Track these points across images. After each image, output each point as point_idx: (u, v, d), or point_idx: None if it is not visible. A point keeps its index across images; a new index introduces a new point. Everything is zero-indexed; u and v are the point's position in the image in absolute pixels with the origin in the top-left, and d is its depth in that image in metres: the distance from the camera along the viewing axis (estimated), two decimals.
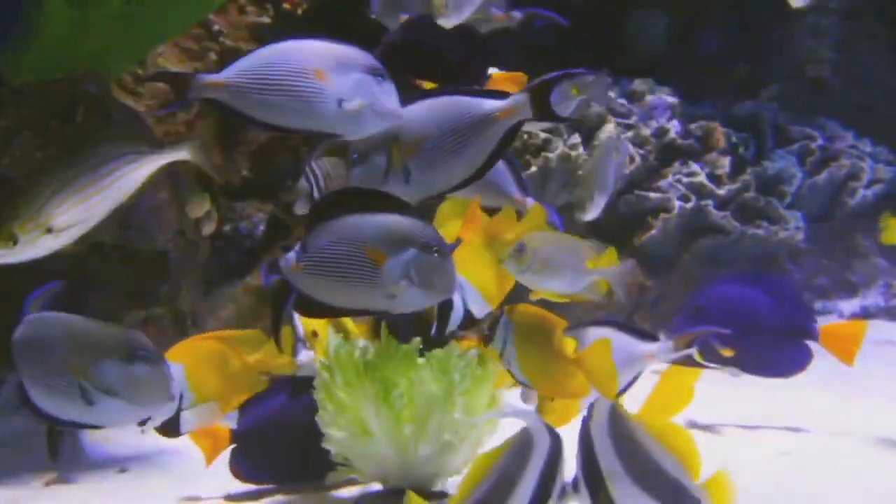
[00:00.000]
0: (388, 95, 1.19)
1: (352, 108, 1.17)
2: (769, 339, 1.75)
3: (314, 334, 1.61)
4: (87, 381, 1.15)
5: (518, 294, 1.51)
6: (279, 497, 1.47)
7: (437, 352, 1.41)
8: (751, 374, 1.73)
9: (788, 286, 1.84)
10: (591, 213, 1.79)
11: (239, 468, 1.49)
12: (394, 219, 1.17)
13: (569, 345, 1.40)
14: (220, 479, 1.53)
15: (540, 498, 0.99)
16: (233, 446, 1.47)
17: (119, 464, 1.63)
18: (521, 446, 1.01)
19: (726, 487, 1.17)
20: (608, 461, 1.04)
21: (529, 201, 1.53)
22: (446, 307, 1.48)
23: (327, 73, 1.16)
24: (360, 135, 1.20)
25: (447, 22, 1.45)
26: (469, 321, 1.53)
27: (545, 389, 1.46)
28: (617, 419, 1.06)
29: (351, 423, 1.37)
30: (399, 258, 1.15)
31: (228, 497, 1.48)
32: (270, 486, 1.50)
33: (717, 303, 1.77)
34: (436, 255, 1.16)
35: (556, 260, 1.43)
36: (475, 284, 1.53)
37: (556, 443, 1.02)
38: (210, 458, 1.47)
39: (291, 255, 1.18)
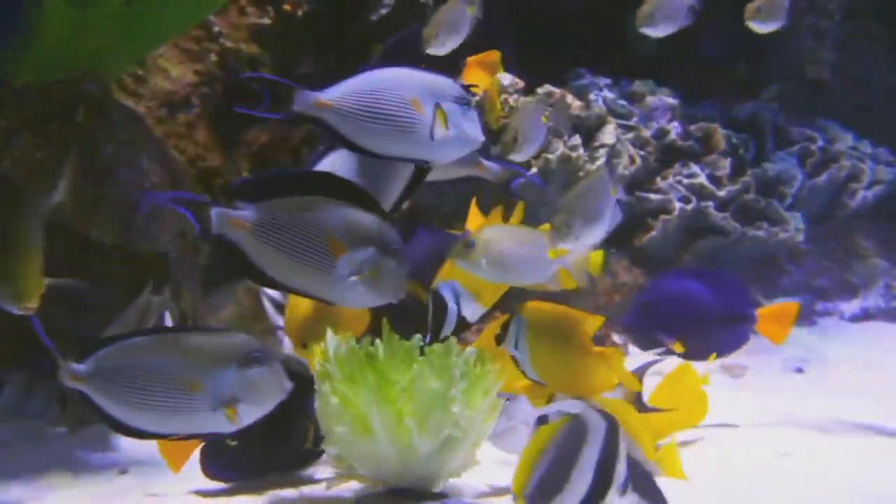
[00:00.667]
0: (471, 123, 1.25)
1: (442, 138, 1.23)
2: (712, 327, 1.82)
3: (304, 346, 1.63)
4: (205, 393, 1.12)
5: (522, 291, 1.51)
6: (279, 496, 1.47)
7: (437, 348, 1.41)
8: (696, 361, 1.76)
9: (729, 277, 1.90)
10: (520, 156, 1.78)
11: (209, 468, 1.49)
12: (363, 215, 1.18)
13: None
14: (223, 483, 1.53)
15: (602, 478, 0.99)
16: (202, 446, 1.46)
17: (119, 465, 1.62)
18: (576, 429, 1.01)
19: (675, 458, 1.22)
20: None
21: (493, 167, 1.56)
22: (441, 310, 1.48)
23: (422, 103, 1.22)
24: (447, 160, 1.27)
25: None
26: (462, 325, 1.54)
27: (562, 386, 1.46)
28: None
29: (352, 419, 1.37)
30: (357, 254, 1.16)
31: (230, 497, 1.48)
32: (244, 482, 1.49)
33: (664, 298, 1.84)
34: (393, 259, 1.17)
35: (511, 253, 1.40)
36: (469, 288, 1.53)
37: (612, 425, 1.02)
38: (177, 464, 1.44)
39: (243, 211, 1.16)
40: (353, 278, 1.16)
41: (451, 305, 1.50)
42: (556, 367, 1.42)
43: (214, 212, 1.15)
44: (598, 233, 1.43)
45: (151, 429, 1.14)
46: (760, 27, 1.84)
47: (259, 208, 1.17)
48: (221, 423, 1.14)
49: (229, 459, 1.49)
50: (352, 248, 1.16)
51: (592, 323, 1.44)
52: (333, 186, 1.20)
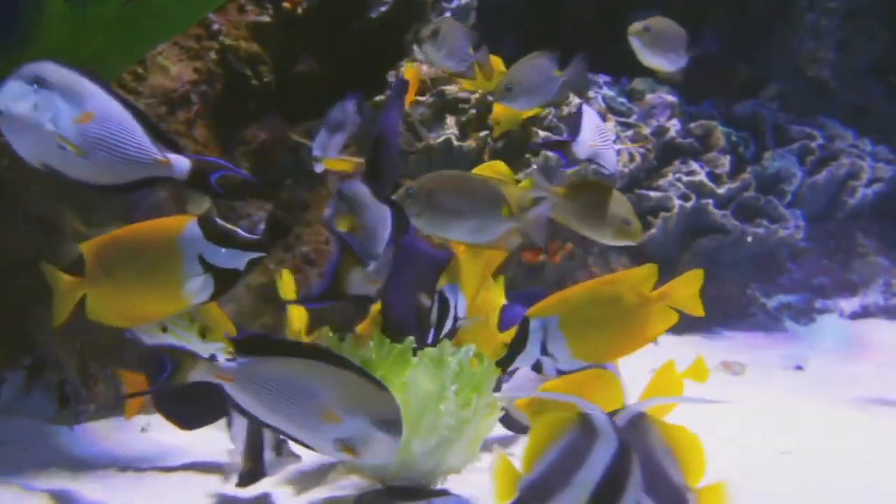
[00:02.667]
0: None
1: None
2: None
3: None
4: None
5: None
6: (280, 495, 1.47)
7: (431, 350, 1.41)
8: None
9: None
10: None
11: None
12: (356, 381, 1.18)
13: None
14: (222, 479, 1.54)
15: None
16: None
17: (118, 463, 1.63)
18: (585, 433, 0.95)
19: (722, 497, 1.11)
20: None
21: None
22: (445, 313, 1.48)
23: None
24: None
25: None
26: (455, 329, 1.54)
27: (622, 349, 1.40)
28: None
29: None
30: (350, 424, 1.16)
31: (229, 496, 1.48)
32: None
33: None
34: (388, 434, 1.17)
35: (457, 205, 1.34)
36: (465, 293, 1.53)
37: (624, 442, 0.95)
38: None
39: (226, 364, 1.19)
40: (345, 444, 1.17)
41: (453, 309, 1.49)
42: (611, 334, 1.36)
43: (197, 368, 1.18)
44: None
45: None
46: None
47: (247, 366, 1.19)
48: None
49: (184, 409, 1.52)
50: (345, 418, 1.17)
51: (636, 277, 1.38)
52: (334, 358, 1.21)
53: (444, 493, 1.43)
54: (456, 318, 1.48)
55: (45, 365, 1.76)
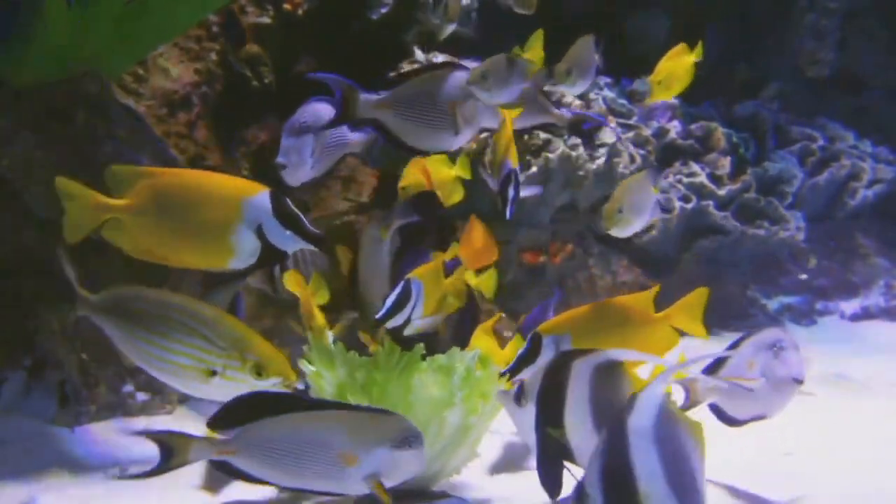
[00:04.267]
0: None
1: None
2: None
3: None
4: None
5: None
6: (279, 497, 1.47)
7: (440, 357, 1.41)
8: None
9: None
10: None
11: None
12: (356, 416, 1.19)
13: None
14: (221, 478, 1.53)
15: None
16: None
17: (119, 465, 1.62)
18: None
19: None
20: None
21: (564, 113, 1.72)
22: (405, 301, 1.45)
23: None
24: None
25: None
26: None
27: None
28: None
29: None
30: (370, 459, 1.17)
31: (231, 498, 1.48)
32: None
33: None
34: (410, 447, 1.18)
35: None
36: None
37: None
38: None
39: (222, 438, 1.20)
40: (372, 477, 1.18)
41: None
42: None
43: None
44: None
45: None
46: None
47: (244, 434, 1.20)
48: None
49: None
50: (363, 454, 1.17)
51: (642, 299, 1.46)
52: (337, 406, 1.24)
53: (444, 494, 1.43)
54: (410, 316, 1.46)
55: (46, 365, 1.76)
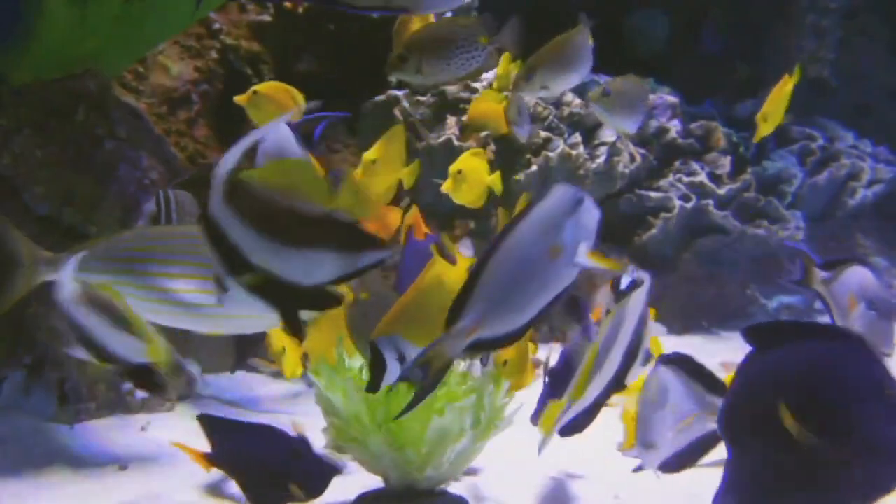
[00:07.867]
0: None
1: None
2: None
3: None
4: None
5: None
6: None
7: (451, 380, 1.39)
8: None
9: None
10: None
11: None
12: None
13: None
14: (223, 478, 1.54)
15: None
16: None
17: (119, 461, 1.62)
18: None
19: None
20: None
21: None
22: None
23: None
24: None
25: None
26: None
27: None
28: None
29: (360, 453, 1.41)
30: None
31: (229, 495, 1.48)
32: None
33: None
34: None
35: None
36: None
37: None
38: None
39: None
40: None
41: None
42: None
43: None
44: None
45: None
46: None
47: None
48: None
49: None
50: None
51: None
52: None
53: (442, 493, 1.43)
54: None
55: (46, 363, 1.76)
